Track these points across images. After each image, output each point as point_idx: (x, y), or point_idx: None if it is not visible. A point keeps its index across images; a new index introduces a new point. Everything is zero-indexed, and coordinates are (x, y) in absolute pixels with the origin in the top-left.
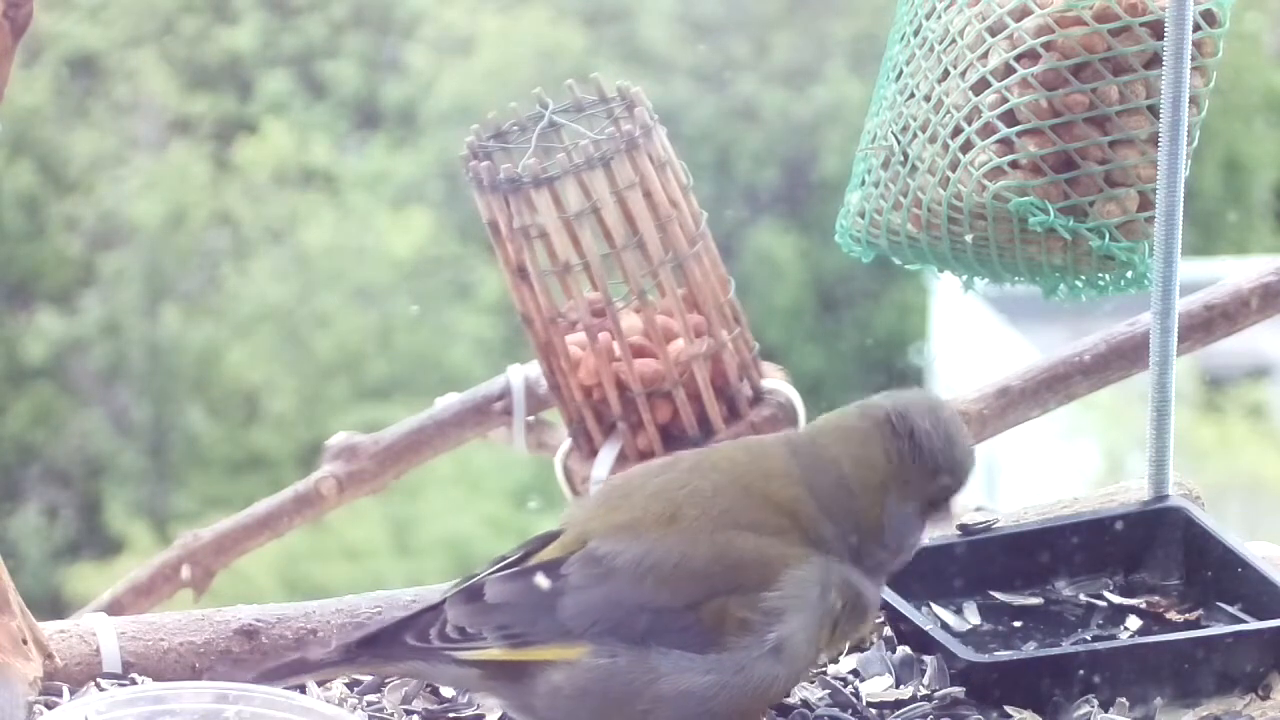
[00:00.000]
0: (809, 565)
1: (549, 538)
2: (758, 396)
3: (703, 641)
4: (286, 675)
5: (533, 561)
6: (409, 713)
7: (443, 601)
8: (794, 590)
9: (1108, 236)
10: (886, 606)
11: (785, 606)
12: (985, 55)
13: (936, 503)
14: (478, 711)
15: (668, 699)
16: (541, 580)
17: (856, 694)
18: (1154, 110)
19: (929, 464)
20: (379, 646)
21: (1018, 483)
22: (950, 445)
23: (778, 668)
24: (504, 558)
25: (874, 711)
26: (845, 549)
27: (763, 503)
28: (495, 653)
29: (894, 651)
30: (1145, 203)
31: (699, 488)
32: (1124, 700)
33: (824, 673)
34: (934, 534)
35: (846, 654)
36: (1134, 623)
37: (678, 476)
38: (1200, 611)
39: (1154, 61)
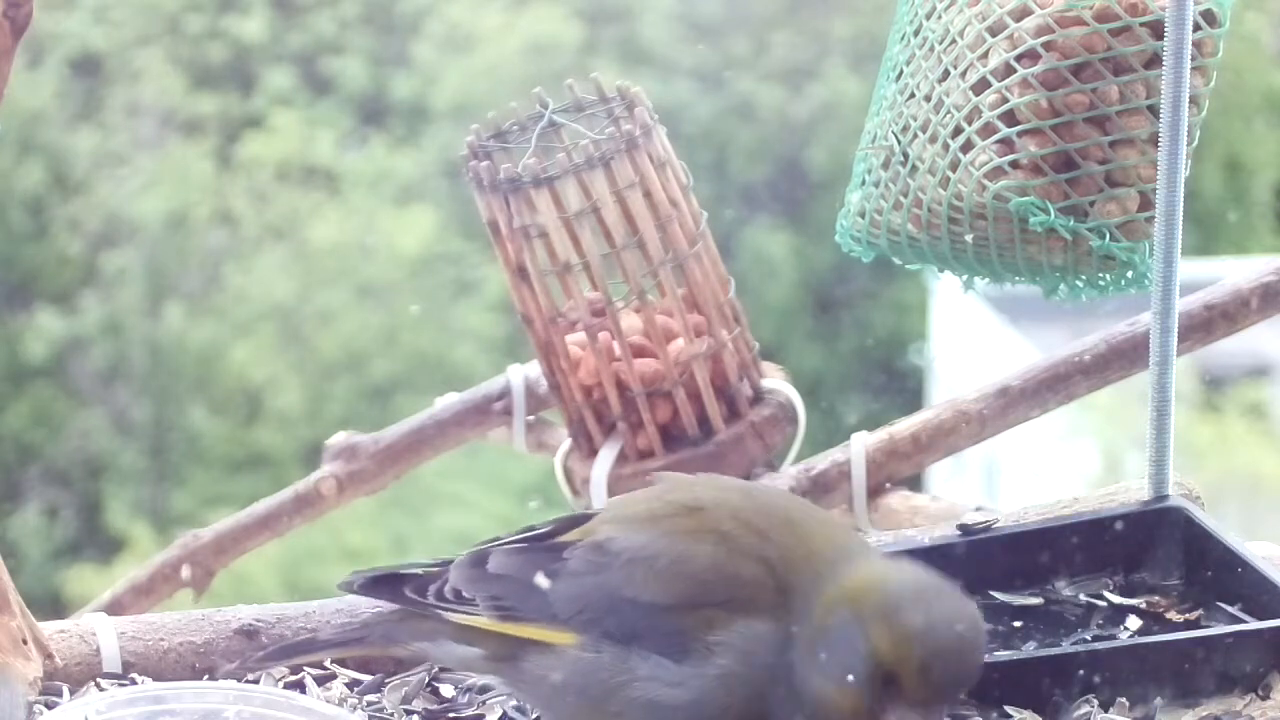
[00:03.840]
0: (767, 625)
1: (581, 519)
2: (758, 396)
3: (682, 651)
4: (295, 655)
5: (549, 542)
6: (409, 713)
7: (451, 562)
8: (739, 642)
9: (1108, 236)
10: None
11: (731, 645)
12: (985, 55)
13: (890, 687)
14: (478, 712)
15: (637, 704)
16: (543, 560)
17: None
18: (1154, 110)
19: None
20: (379, 589)
21: (1018, 483)
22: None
23: (728, 698)
24: (532, 527)
25: None
26: (796, 639)
27: (799, 542)
28: (482, 621)
29: None
30: (1145, 203)
31: (751, 497)
32: (1124, 700)
33: None
34: None
35: None
36: (1134, 623)
37: (731, 484)
38: (1200, 611)
39: (1154, 61)
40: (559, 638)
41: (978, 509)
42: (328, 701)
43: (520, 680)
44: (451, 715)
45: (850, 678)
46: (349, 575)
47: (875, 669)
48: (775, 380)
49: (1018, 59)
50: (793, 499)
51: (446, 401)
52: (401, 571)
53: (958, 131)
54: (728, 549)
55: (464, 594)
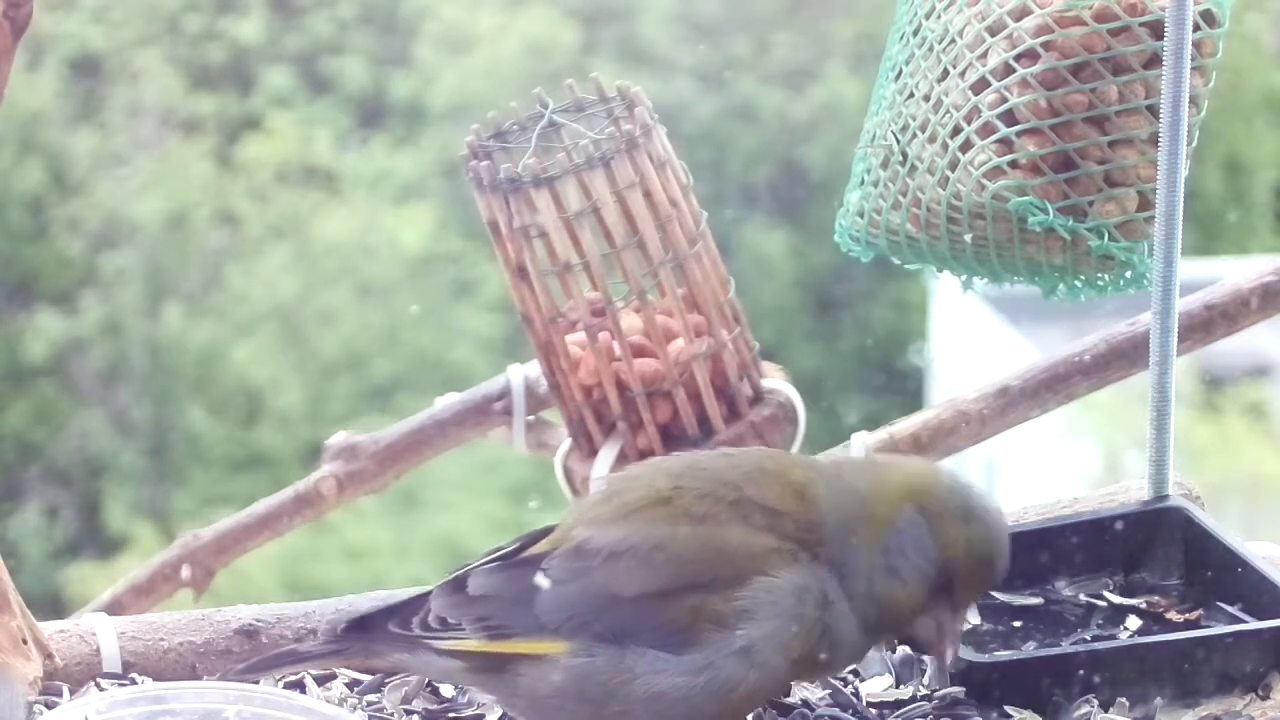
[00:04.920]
0: (789, 571)
1: (545, 532)
2: (758, 396)
3: (678, 641)
4: (276, 666)
5: (522, 556)
6: (409, 713)
7: (430, 591)
8: (765, 595)
9: (1107, 236)
10: None
11: (755, 609)
12: (985, 55)
13: (949, 590)
14: (478, 711)
15: (641, 700)
16: (523, 574)
17: (856, 694)
18: (1153, 110)
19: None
20: (363, 632)
21: (1018, 483)
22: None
23: (748, 671)
24: (499, 548)
25: (874, 711)
26: (841, 557)
27: (775, 480)
28: (472, 644)
29: (894, 651)
30: (1145, 202)
31: (704, 469)
32: (1124, 700)
33: None
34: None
35: None
36: (1134, 623)
37: (677, 464)
38: (1200, 611)
39: (1153, 61)
40: (550, 648)
41: None
42: (328, 701)
43: (511, 692)
44: (451, 715)
45: (918, 576)
46: (331, 618)
47: (942, 569)
48: (775, 380)
49: (1017, 59)
50: (745, 452)
51: (446, 401)
52: (383, 608)
53: (957, 131)
54: (706, 527)
55: (449, 620)
